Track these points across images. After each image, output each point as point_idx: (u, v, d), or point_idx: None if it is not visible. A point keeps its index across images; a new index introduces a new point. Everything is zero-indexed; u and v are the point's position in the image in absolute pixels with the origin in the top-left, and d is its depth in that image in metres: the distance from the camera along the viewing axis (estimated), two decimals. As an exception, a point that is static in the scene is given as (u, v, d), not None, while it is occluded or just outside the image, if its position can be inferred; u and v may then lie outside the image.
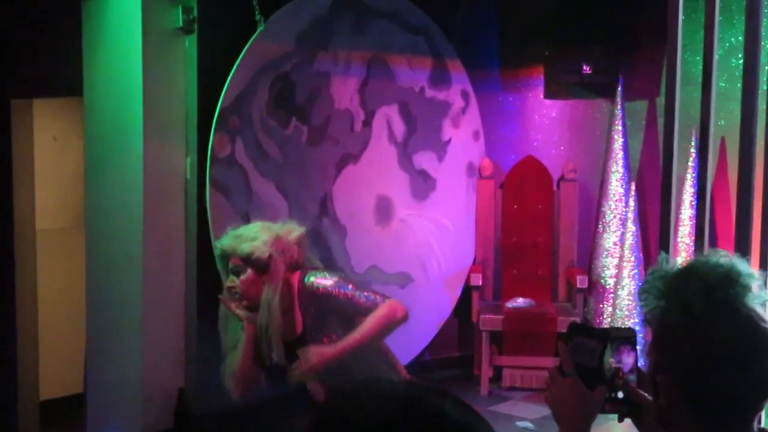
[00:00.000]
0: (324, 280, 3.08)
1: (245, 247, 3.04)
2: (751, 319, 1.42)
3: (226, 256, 3.12)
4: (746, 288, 1.43)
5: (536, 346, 5.78)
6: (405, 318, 3.06)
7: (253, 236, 3.07)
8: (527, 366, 5.82)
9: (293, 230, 3.16)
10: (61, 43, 5.01)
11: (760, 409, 1.47)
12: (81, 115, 4.99)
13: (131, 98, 4.59)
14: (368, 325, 3.02)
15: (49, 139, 6.29)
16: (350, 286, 3.10)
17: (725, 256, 1.49)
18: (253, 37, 4.80)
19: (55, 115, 6.32)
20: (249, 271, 3.05)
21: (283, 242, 3.10)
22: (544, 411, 5.44)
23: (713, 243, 5.60)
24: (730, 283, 1.43)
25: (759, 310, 1.44)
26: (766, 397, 1.46)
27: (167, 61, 4.66)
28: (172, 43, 4.67)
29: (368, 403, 0.87)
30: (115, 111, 4.73)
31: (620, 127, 5.93)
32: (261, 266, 3.04)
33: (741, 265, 1.46)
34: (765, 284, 1.47)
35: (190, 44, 4.71)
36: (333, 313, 3.10)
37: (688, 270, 1.48)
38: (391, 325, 3.05)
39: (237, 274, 3.07)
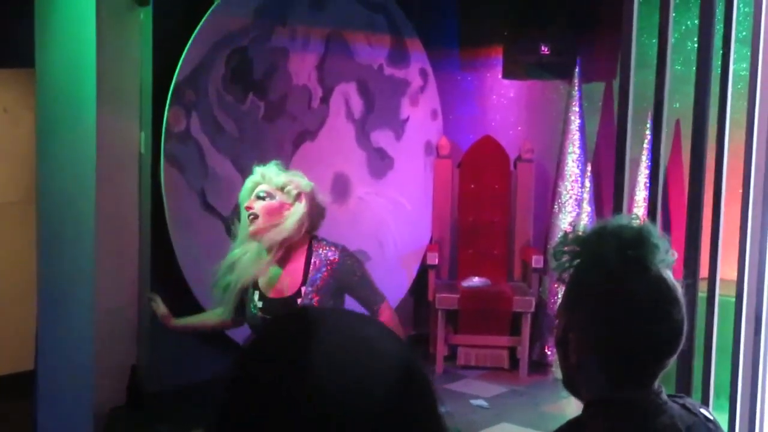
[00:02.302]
0: (329, 252, 3.06)
1: (284, 177, 3.03)
2: (660, 277, 1.49)
3: (259, 182, 3.04)
4: (656, 247, 1.49)
5: (491, 325, 5.83)
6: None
7: (298, 176, 3.08)
8: (482, 345, 5.86)
9: (325, 199, 3.17)
10: (13, 12, 4.90)
11: (665, 366, 1.52)
12: (33, 87, 4.89)
13: (84, 70, 4.50)
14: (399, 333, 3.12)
15: (0, 111, 6.17)
16: (354, 258, 3.13)
17: (636, 219, 1.56)
18: (210, 10, 4.74)
19: (7, 86, 6.19)
20: (277, 199, 3.01)
21: (316, 198, 3.08)
22: (499, 390, 5.51)
23: (666, 224, 5.66)
24: (642, 242, 1.49)
25: (666, 270, 1.51)
26: (672, 353, 1.52)
27: (122, 33, 4.58)
28: (127, 15, 4.59)
29: (298, 335, 0.88)
30: (67, 83, 4.64)
31: (577, 109, 5.96)
32: (294, 198, 3.02)
33: (651, 227, 1.53)
34: (670, 249, 1.53)
35: (145, 16, 4.63)
36: (341, 288, 3.08)
37: (602, 230, 1.54)
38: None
39: (263, 199, 3.02)
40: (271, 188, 3.02)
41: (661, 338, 1.50)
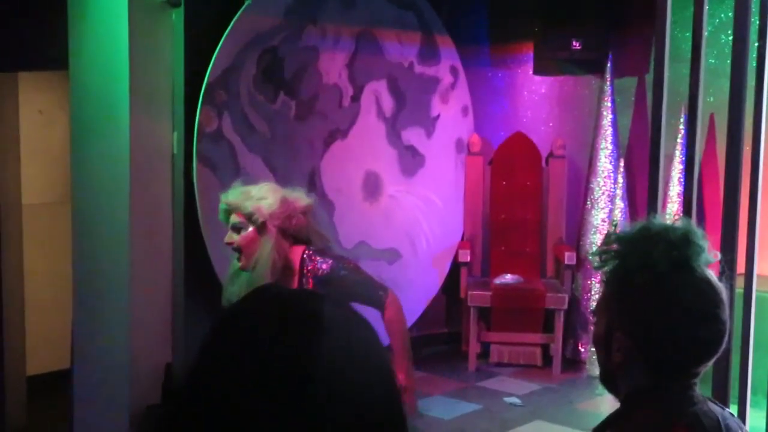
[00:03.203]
0: (323, 264, 3.06)
1: (248, 205, 3.02)
2: (706, 279, 1.52)
3: (230, 211, 3.07)
4: (701, 248, 1.52)
5: (524, 323, 5.80)
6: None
7: (261, 196, 3.04)
8: (515, 342, 5.84)
9: (301, 198, 3.13)
10: (47, 15, 4.96)
11: (707, 366, 1.55)
12: (67, 89, 4.95)
13: (117, 72, 4.55)
14: (402, 330, 3.12)
15: (35, 113, 6.25)
16: (351, 266, 3.12)
17: (680, 219, 1.58)
18: (241, 11, 4.76)
19: (41, 89, 6.27)
20: (251, 229, 3.02)
21: (290, 207, 3.06)
22: (532, 386, 5.48)
23: (701, 220, 5.61)
24: (688, 244, 1.51)
25: (709, 270, 1.53)
26: (716, 353, 1.55)
27: (154, 35, 4.61)
28: (159, 16, 4.62)
29: (257, 309, 0.94)
30: (101, 85, 4.69)
31: (609, 104, 5.92)
32: (259, 227, 3.02)
33: (695, 228, 1.55)
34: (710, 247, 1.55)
35: (176, 17, 4.66)
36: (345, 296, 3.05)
37: (649, 231, 1.55)
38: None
39: (238, 230, 3.04)
40: (242, 218, 3.03)
41: (707, 339, 1.52)
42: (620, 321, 1.55)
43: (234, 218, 3.04)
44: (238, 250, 3.05)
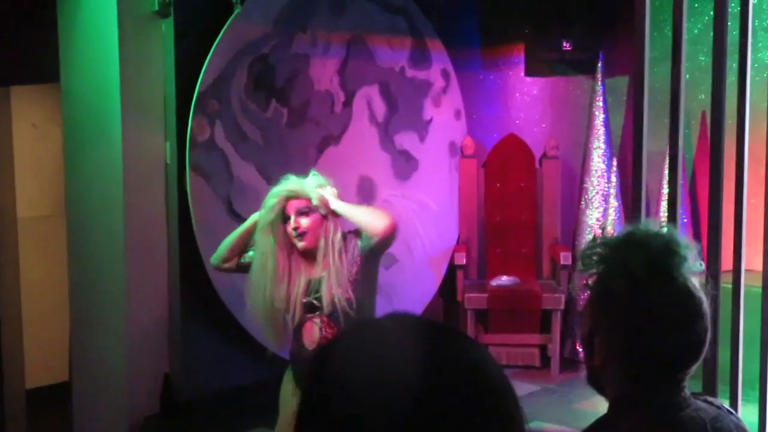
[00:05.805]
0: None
1: (312, 191, 3.16)
2: (686, 287, 1.51)
3: (289, 198, 3.17)
4: (683, 258, 1.51)
5: (521, 324, 5.81)
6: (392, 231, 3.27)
7: (318, 183, 3.20)
8: (512, 343, 5.84)
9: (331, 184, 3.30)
10: (38, 29, 4.98)
11: (690, 372, 1.55)
12: (59, 102, 4.97)
13: (108, 83, 4.57)
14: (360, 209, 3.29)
15: (28, 126, 6.26)
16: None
17: (664, 226, 1.60)
18: (230, 20, 4.77)
19: (34, 103, 6.29)
20: (318, 213, 3.16)
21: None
22: (531, 388, 5.49)
23: (695, 217, 5.62)
24: (670, 253, 1.51)
25: (693, 279, 1.53)
26: (695, 361, 1.55)
27: (144, 46, 4.63)
28: (149, 27, 4.64)
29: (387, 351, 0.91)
30: (92, 97, 4.71)
31: (601, 104, 5.93)
32: (324, 211, 3.16)
33: (679, 235, 1.55)
34: (699, 255, 1.55)
35: (166, 28, 4.68)
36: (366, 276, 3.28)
37: (630, 238, 1.55)
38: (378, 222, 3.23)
39: (305, 214, 3.16)
40: (308, 202, 3.16)
41: (683, 348, 1.52)
42: (599, 325, 1.56)
43: (296, 204, 3.15)
44: (303, 234, 3.15)
